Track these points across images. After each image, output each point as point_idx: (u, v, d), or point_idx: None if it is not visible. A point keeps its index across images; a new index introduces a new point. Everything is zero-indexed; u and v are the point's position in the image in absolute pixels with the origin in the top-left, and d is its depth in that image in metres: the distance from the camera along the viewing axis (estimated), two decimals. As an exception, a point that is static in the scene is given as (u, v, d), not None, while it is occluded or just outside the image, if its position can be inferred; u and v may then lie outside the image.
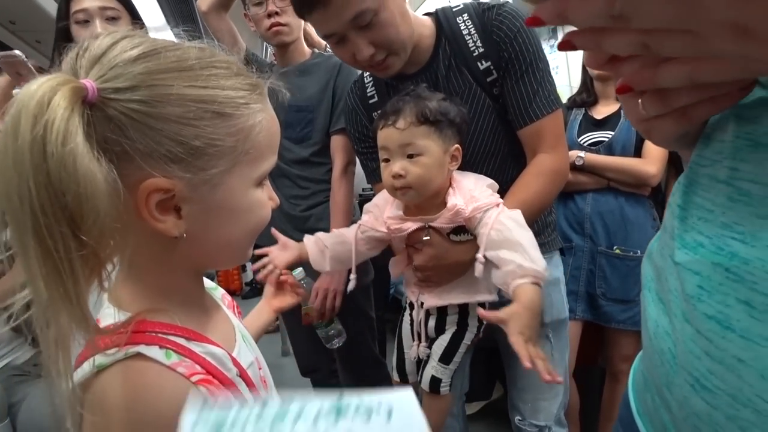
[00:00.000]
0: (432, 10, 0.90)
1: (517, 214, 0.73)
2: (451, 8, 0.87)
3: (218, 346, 0.43)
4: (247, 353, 0.48)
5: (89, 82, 0.33)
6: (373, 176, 0.97)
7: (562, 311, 0.97)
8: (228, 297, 0.57)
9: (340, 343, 1.16)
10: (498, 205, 0.73)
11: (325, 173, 1.29)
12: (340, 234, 0.87)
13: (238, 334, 0.49)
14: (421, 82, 0.84)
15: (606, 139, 1.40)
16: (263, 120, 0.41)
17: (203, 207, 0.39)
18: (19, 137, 0.29)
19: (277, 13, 1.20)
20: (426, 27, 0.86)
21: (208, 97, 0.37)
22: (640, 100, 0.32)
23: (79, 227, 0.31)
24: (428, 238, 0.77)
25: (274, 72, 1.36)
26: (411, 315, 0.88)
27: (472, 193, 0.74)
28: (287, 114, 1.29)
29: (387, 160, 0.74)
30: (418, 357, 0.86)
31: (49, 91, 0.31)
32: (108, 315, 0.39)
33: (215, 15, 1.32)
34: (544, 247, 0.90)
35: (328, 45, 1.49)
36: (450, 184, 0.77)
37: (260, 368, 0.50)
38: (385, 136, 0.73)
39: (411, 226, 0.77)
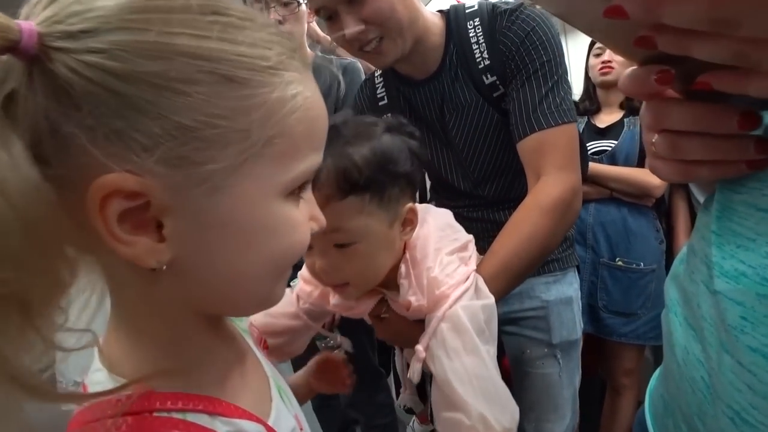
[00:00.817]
0: (445, 6, 0.82)
1: (469, 315, 0.49)
2: (464, 8, 0.79)
3: (250, 417, 0.32)
4: (287, 415, 0.37)
5: (27, 24, 0.21)
6: None
7: (573, 332, 0.91)
8: (255, 329, 0.45)
9: (341, 355, 1.14)
10: (466, 280, 0.51)
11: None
12: (281, 312, 0.63)
13: (274, 388, 0.38)
14: (430, 91, 0.80)
15: (609, 149, 1.40)
16: (300, 96, 0.27)
17: (197, 223, 0.26)
18: None
19: (279, 22, 1.20)
20: (436, 25, 0.79)
21: (208, 52, 0.24)
22: (656, 136, 0.31)
23: None
24: (386, 316, 0.58)
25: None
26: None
27: (431, 273, 0.50)
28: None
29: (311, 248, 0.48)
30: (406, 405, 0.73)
31: None
32: (98, 381, 0.28)
33: None
34: (557, 264, 0.89)
35: (333, 41, 1.48)
36: (403, 253, 0.53)
37: (302, 429, 0.39)
38: None
39: (365, 308, 0.57)
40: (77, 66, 0.22)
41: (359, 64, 1.34)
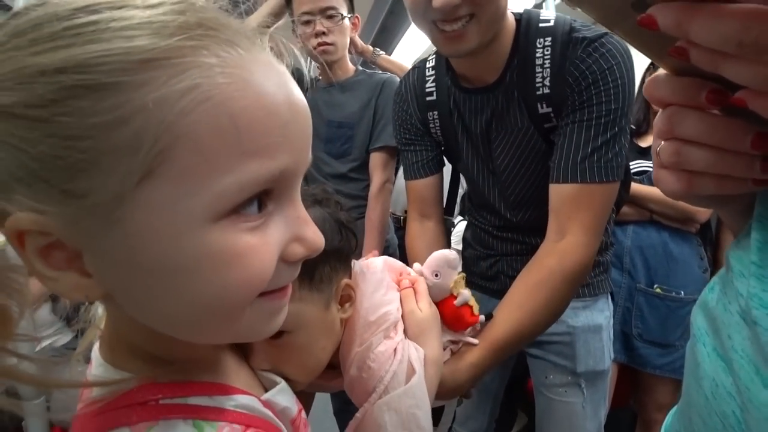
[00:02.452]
0: (520, 9, 0.72)
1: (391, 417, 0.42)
2: (538, 20, 0.69)
3: (244, 393, 0.33)
4: (286, 399, 0.37)
5: None
6: (411, 171, 0.88)
7: (601, 362, 0.86)
8: None
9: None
10: (395, 350, 0.45)
11: (361, 189, 1.31)
12: None
13: (281, 381, 0.39)
14: (482, 103, 0.74)
15: (651, 169, 1.35)
16: (205, 83, 0.22)
17: (109, 260, 0.23)
18: None
19: (324, 33, 1.23)
20: (508, 30, 0.69)
21: (69, 62, 0.20)
22: (663, 143, 0.30)
23: None
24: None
25: (316, 88, 1.42)
26: None
27: (365, 357, 0.44)
28: (328, 129, 1.33)
29: None
30: None
31: None
32: (100, 375, 0.29)
33: None
34: (589, 289, 0.85)
35: (375, 51, 1.52)
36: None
37: (301, 410, 0.39)
38: None
39: (337, 384, 0.50)
40: None
41: (397, 79, 1.37)
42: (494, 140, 0.77)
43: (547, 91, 0.67)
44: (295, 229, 0.27)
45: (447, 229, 0.92)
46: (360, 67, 1.41)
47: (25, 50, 0.21)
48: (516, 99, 0.71)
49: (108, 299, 0.27)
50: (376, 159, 1.28)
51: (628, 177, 0.97)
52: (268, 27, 0.28)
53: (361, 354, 0.44)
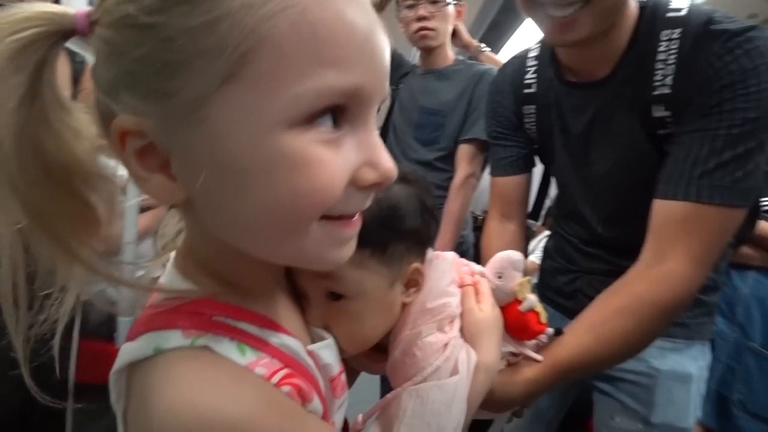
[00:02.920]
0: None
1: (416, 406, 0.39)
2: (666, 8, 0.59)
3: (293, 336, 0.34)
4: (330, 356, 0.38)
5: (81, 12, 0.25)
6: (498, 167, 0.82)
7: (683, 418, 0.72)
8: None
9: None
10: (446, 345, 0.42)
11: (445, 180, 1.27)
12: None
13: (329, 338, 0.39)
14: (584, 101, 0.65)
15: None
16: None
17: (194, 160, 0.25)
18: None
19: (426, 18, 1.23)
20: (629, 19, 0.60)
21: None
22: None
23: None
24: None
25: (414, 73, 1.41)
26: None
27: (412, 344, 0.42)
28: (420, 115, 1.32)
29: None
30: None
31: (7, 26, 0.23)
32: (171, 283, 0.32)
33: None
34: (683, 331, 0.71)
35: (479, 46, 1.47)
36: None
37: (342, 372, 0.40)
38: None
39: (380, 368, 0.49)
40: (98, 33, 0.25)
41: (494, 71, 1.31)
42: (593, 143, 0.68)
43: (667, 91, 0.57)
44: (368, 153, 0.27)
45: (527, 234, 0.85)
46: (460, 57, 1.38)
47: None
48: (626, 98, 0.62)
49: (187, 207, 0.29)
50: (463, 151, 1.25)
51: (756, 213, 0.82)
52: None
53: (410, 338, 0.42)
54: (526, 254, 0.84)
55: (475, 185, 1.25)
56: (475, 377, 0.41)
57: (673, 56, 0.56)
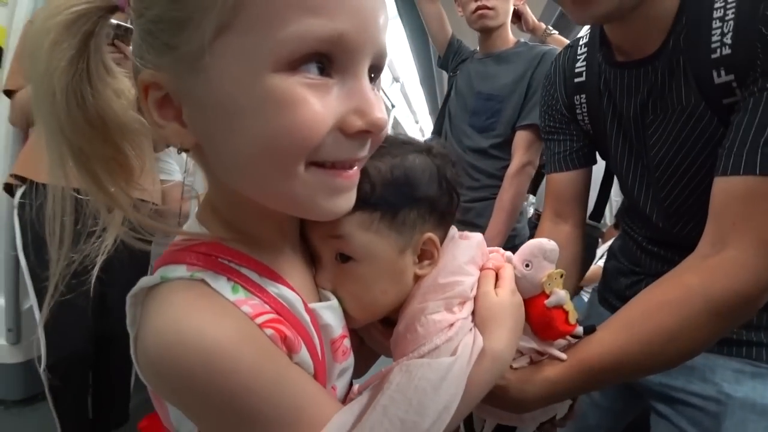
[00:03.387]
0: None
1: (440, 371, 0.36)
2: None
3: (293, 289, 0.35)
4: (334, 317, 0.39)
5: None
6: (552, 163, 0.77)
7: None
8: None
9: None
10: (451, 326, 0.40)
11: (499, 169, 1.23)
12: None
13: (335, 300, 0.40)
14: (636, 80, 0.59)
15: None
16: None
17: (199, 106, 0.29)
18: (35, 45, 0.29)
19: None
20: None
21: None
22: None
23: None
24: None
25: (472, 59, 1.36)
26: None
27: (415, 319, 0.41)
28: (476, 101, 1.27)
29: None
30: None
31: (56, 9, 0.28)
32: (190, 227, 0.36)
33: (428, 0, 1.38)
34: (761, 350, 0.59)
35: (547, 29, 1.38)
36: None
37: (345, 336, 0.41)
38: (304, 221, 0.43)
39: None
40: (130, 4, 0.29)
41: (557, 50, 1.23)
42: (650, 125, 0.60)
43: (727, 51, 0.49)
44: (357, 102, 0.29)
45: (587, 235, 0.77)
46: (522, 39, 1.30)
47: None
48: (681, 69, 0.54)
49: (199, 153, 0.32)
50: (520, 137, 1.18)
51: None
52: None
53: (414, 313, 0.41)
54: (585, 259, 0.77)
55: (531, 174, 1.19)
56: (479, 363, 0.38)
57: (731, 11, 0.49)
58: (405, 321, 0.41)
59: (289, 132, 0.27)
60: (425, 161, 0.42)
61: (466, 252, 0.44)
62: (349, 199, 0.33)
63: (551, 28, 1.39)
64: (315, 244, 0.41)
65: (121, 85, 0.32)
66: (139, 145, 0.33)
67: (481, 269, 0.45)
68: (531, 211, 2.33)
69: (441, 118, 1.44)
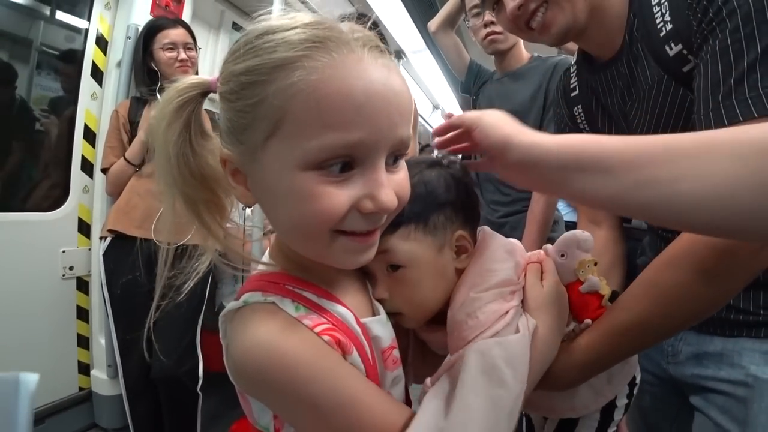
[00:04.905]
0: None
1: (510, 348, 0.41)
2: None
3: (346, 307, 0.42)
4: (383, 330, 0.44)
5: (215, 77, 0.40)
6: None
7: None
8: None
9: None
10: (506, 313, 0.45)
11: (529, 182, 1.25)
12: None
13: (383, 315, 0.46)
14: (612, 77, 0.65)
15: None
16: (301, 80, 0.32)
17: (256, 182, 0.38)
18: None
19: (492, 23, 1.23)
20: None
21: (244, 69, 0.35)
22: None
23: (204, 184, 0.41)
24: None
25: (491, 80, 1.41)
26: None
27: (475, 309, 0.45)
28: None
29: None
30: None
31: (172, 87, 0.40)
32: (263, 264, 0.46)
33: (443, 33, 1.48)
34: None
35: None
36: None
37: (394, 347, 0.46)
38: None
39: (438, 337, 0.51)
40: (218, 93, 0.39)
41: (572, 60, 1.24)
42: (630, 111, 0.65)
43: (670, 27, 0.54)
44: (370, 188, 0.36)
45: (624, 236, 0.76)
46: (536, 54, 1.34)
47: (231, 60, 0.37)
48: (642, 54, 0.60)
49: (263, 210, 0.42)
50: (544, 148, 1.20)
51: None
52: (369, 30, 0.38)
53: (472, 303, 0.45)
54: (628, 259, 0.77)
55: None
56: (532, 347, 0.42)
57: None
58: (465, 309, 0.46)
59: (311, 216, 0.35)
60: (438, 172, 0.50)
61: (501, 243, 0.50)
62: (369, 255, 0.40)
63: None
64: (367, 264, 0.44)
65: (214, 146, 0.42)
66: (228, 197, 0.44)
67: (527, 263, 0.50)
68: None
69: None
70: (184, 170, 0.40)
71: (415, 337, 0.55)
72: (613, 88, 0.66)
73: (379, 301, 0.47)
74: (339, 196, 0.35)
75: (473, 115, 0.47)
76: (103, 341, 1.57)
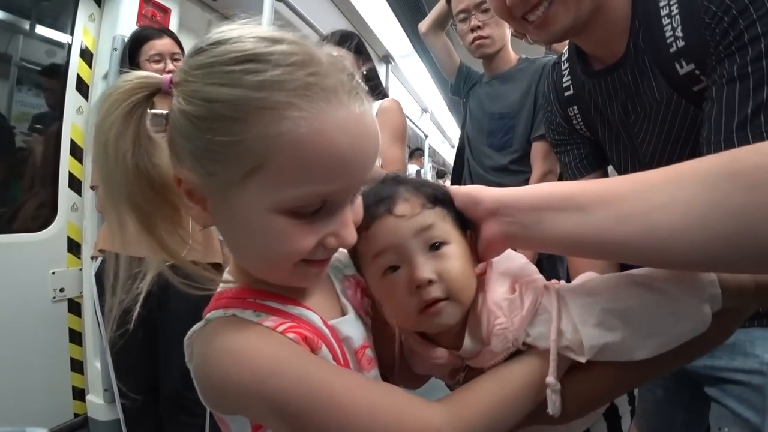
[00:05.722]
0: None
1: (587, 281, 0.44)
2: None
3: (312, 310, 0.41)
4: (353, 329, 0.44)
5: (168, 76, 0.36)
6: (568, 173, 0.80)
7: None
8: (357, 278, 0.50)
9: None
10: (547, 288, 0.45)
11: (522, 182, 1.24)
12: None
13: (351, 313, 0.45)
14: (613, 85, 0.63)
15: None
16: (290, 132, 0.32)
17: (220, 209, 0.37)
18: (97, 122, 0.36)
19: (479, 27, 1.24)
20: None
21: (221, 98, 0.32)
22: None
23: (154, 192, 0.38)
24: (459, 382, 0.49)
25: (481, 83, 1.42)
26: None
27: (505, 296, 0.45)
28: (490, 121, 1.32)
29: (395, 268, 0.44)
30: None
31: (116, 86, 0.36)
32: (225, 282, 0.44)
33: (433, 35, 1.48)
34: None
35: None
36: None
37: (367, 347, 0.45)
38: (385, 230, 0.44)
39: (442, 357, 0.48)
40: (173, 103, 0.35)
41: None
42: (634, 125, 0.63)
43: (681, 44, 0.52)
44: (335, 227, 0.37)
45: None
46: (523, 56, 1.35)
47: (201, 76, 0.34)
48: (648, 67, 0.57)
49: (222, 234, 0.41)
50: (537, 149, 1.21)
51: None
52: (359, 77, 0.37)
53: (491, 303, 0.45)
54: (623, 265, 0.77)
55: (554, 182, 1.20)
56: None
57: (675, 5, 0.52)
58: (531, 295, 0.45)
59: (281, 252, 0.36)
60: (405, 182, 0.49)
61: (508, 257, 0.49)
62: (325, 272, 0.42)
63: None
64: (405, 247, 0.43)
65: (163, 151, 0.39)
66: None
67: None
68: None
69: (461, 143, 1.49)
70: (143, 183, 0.37)
71: (401, 354, 0.53)
72: (614, 97, 0.64)
73: (422, 288, 0.43)
74: (308, 236, 0.36)
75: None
76: (98, 364, 1.53)
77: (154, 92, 0.37)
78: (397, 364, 0.52)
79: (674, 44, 0.53)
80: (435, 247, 0.44)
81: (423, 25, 1.50)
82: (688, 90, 0.54)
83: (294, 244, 0.35)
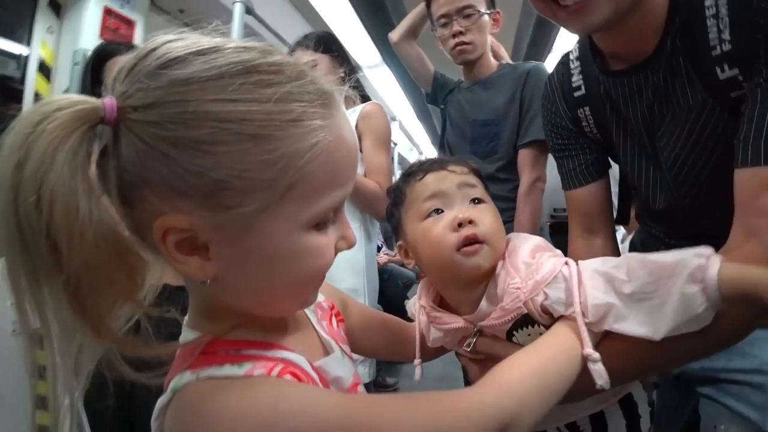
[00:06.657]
0: None
1: (606, 261, 0.47)
2: None
3: (295, 352, 0.37)
4: (341, 368, 0.41)
5: (110, 100, 0.28)
6: (570, 180, 0.76)
7: None
8: (328, 303, 0.49)
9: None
10: (567, 263, 0.48)
11: (510, 190, 1.24)
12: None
13: (336, 351, 0.43)
14: (638, 85, 0.59)
15: None
16: (321, 141, 0.31)
17: (235, 251, 0.31)
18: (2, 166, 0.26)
19: (461, 33, 1.23)
20: None
21: (236, 115, 0.28)
22: None
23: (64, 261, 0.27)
24: (468, 348, 0.53)
25: (459, 88, 1.42)
26: None
27: (523, 260, 0.50)
28: (473, 129, 1.31)
29: (439, 211, 0.51)
30: None
31: (42, 116, 0.27)
32: (184, 337, 0.37)
33: (405, 44, 1.46)
34: None
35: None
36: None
37: (358, 383, 0.43)
38: (436, 179, 0.53)
39: (454, 323, 0.54)
40: (141, 134, 0.28)
41: (544, 67, 1.26)
42: (658, 128, 0.61)
43: (728, 47, 0.50)
44: (341, 231, 0.37)
45: (617, 246, 0.76)
46: (504, 62, 1.37)
47: (204, 94, 0.28)
48: (683, 70, 0.55)
49: (212, 280, 0.33)
50: (524, 156, 1.21)
51: None
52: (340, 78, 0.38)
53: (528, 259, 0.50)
54: None
55: (542, 189, 1.20)
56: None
57: (724, 7, 0.50)
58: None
59: (319, 271, 0.36)
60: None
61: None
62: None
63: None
64: (452, 193, 0.52)
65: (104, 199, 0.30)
66: (143, 265, 0.33)
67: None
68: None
69: (442, 151, 1.48)
70: (106, 248, 0.28)
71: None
72: (637, 98, 0.61)
73: (462, 226, 0.49)
74: (330, 245, 0.35)
75: None
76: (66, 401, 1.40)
77: (96, 123, 0.29)
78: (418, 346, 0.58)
79: (719, 47, 0.51)
80: (475, 201, 0.53)
81: (394, 35, 1.48)
82: (726, 95, 0.52)
83: (326, 257, 0.35)
